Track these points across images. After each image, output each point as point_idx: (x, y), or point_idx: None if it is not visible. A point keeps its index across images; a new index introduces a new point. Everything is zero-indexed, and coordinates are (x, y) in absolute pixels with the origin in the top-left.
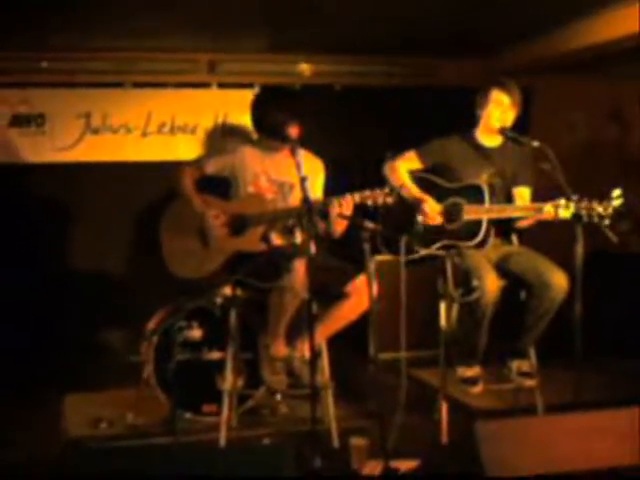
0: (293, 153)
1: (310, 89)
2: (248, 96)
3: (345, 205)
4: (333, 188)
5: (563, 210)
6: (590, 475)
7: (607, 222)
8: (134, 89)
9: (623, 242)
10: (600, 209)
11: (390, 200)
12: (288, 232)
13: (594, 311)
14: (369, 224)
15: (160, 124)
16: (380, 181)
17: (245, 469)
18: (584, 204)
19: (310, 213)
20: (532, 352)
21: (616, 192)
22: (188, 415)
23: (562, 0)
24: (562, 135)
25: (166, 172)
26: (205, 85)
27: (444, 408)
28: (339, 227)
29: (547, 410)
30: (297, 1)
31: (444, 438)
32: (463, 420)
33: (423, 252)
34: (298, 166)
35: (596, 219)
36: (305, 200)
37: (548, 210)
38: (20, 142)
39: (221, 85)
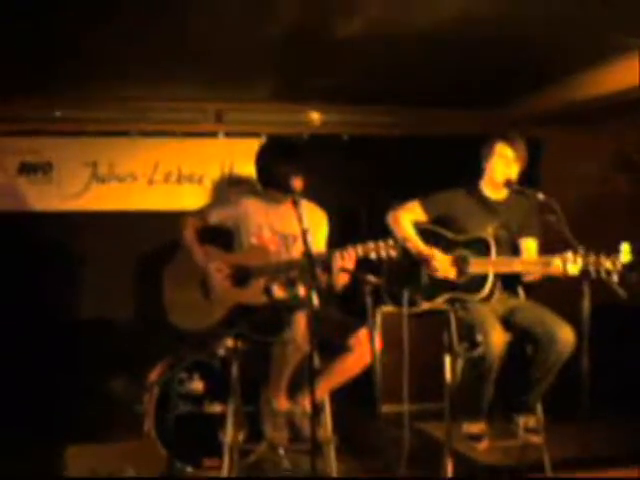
0: (295, 205)
1: (317, 139)
2: (254, 146)
3: (347, 258)
4: (338, 239)
5: (571, 265)
6: None
7: (615, 278)
8: (141, 138)
9: (632, 295)
10: (608, 264)
11: (394, 253)
12: (290, 285)
13: (602, 366)
14: (371, 278)
15: (167, 173)
16: (386, 231)
17: None
18: (592, 259)
19: (312, 266)
20: (539, 407)
21: (625, 246)
22: (189, 469)
23: (569, 52)
24: (571, 187)
25: (172, 221)
26: (212, 134)
27: (449, 464)
28: (341, 280)
29: (554, 467)
30: (305, 52)
31: None
32: (468, 476)
33: (426, 306)
34: (300, 218)
35: (604, 275)
36: (307, 253)
37: (556, 264)
38: (27, 190)
39: (228, 134)
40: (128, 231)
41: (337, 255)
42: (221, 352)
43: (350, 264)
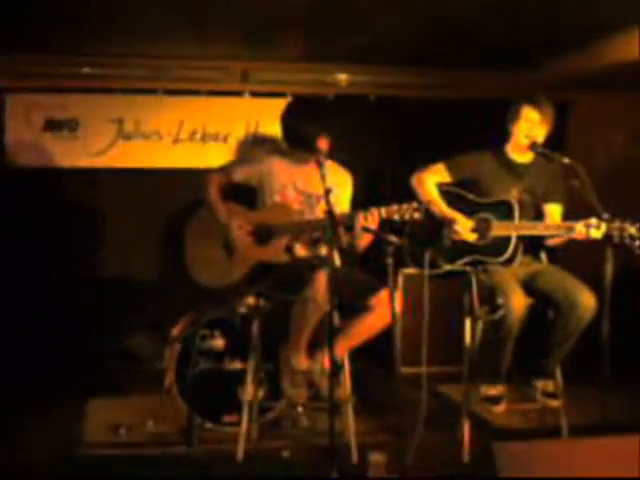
0: (319, 165)
1: (344, 99)
2: (280, 105)
3: (370, 219)
4: (362, 200)
5: (594, 230)
6: None
7: (639, 243)
8: (166, 96)
9: None
10: (632, 230)
11: (417, 215)
12: (313, 244)
13: (622, 331)
14: (394, 238)
15: (192, 132)
16: (411, 194)
17: None
18: (616, 224)
19: (334, 225)
20: (558, 372)
21: None
22: (209, 425)
23: (599, 14)
24: (598, 152)
25: (197, 179)
26: (237, 93)
27: (466, 426)
28: (364, 241)
29: (572, 431)
30: (332, 11)
31: (465, 457)
32: (485, 439)
33: (448, 267)
34: (323, 178)
35: (628, 240)
36: (329, 212)
37: (579, 229)
38: (53, 146)
39: (254, 94)
40: (153, 188)
41: (360, 216)
42: (242, 310)
43: (373, 225)
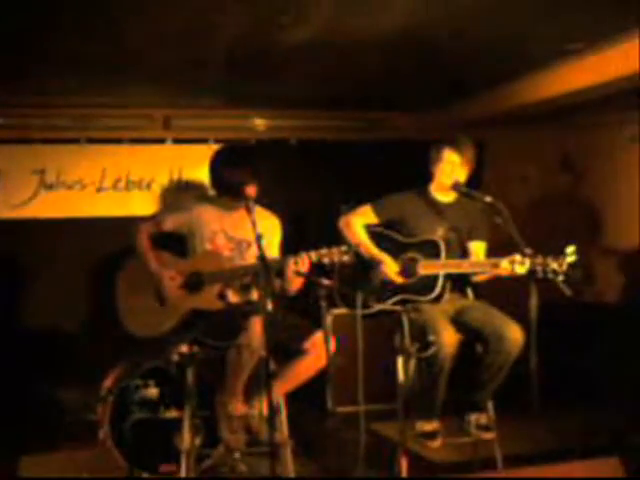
0: (248, 211)
1: (267, 144)
2: (203, 151)
3: (301, 263)
4: (290, 244)
5: (519, 266)
6: None
7: (561, 278)
8: (89, 145)
9: (577, 292)
10: (555, 265)
11: (346, 258)
12: (245, 290)
13: (550, 362)
14: (325, 281)
15: (115, 179)
16: (337, 236)
17: None
18: (539, 260)
19: (266, 271)
20: (490, 405)
21: (570, 248)
22: (145, 475)
23: (513, 55)
24: (515, 187)
25: (121, 227)
26: (160, 141)
27: (404, 462)
28: (295, 285)
29: (506, 462)
30: (252, 58)
31: None
32: (423, 474)
33: (379, 307)
34: (254, 224)
35: (551, 275)
36: (261, 258)
37: (504, 266)
38: None
39: (176, 140)
40: (78, 238)
41: (291, 260)
42: (176, 358)
43: (304, 269)
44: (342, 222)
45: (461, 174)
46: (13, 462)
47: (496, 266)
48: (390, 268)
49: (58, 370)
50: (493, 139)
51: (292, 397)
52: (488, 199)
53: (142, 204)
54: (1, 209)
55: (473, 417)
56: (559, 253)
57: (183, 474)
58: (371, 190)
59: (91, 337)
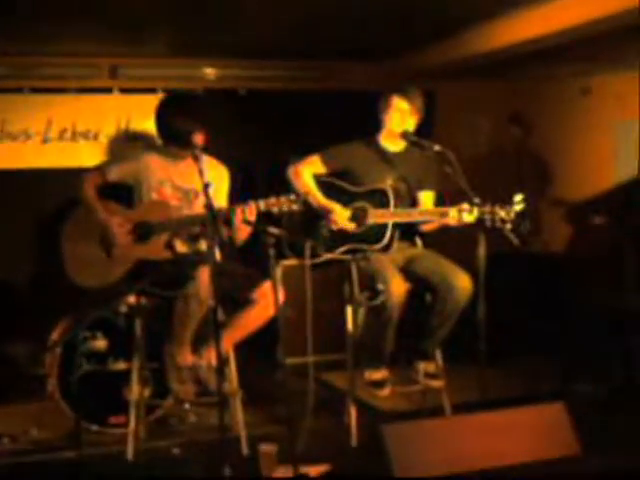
0: (196, 160)
1: (215, 93)
2: (151, 101)
3: (249, 212)
4: (238, 194)
5: (467, 214)
6: (498, 473)
7: (509, 226)
8: (33, 94)
9: (524, 242)
10: (503, 213)
11: (295, 207)
12: (193, 239)
13: (497, 311)
14: (273, 230)
15: (61, 130)
16: (286, 185)
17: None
18: (487, 209)
19: (214, 220)
20: (438, 354)
21: (518, 197)
22: (95, 427)
23: (464, 4)
24: (464, 138)
25: (68, 179)
26: (107, 90)
27: (353, 411)
28: (243, 234)
29: (454, 410)
30: (200, 5)
31: (353, 441)
32: (372, 423)
33: (328, 256)
34: (201, 173)
35: (499, 223)
36: (208, 207)
37: (453, 215)
38: None
39: (123, 90)
40: (24, 190)
41: (238, 209)
42: (124, 309)
43: (252, 218)
44: (291, 171)
45: (410, 123)
46: None
47: (444, 215)
48: (341, 215)
49: (6, 324)
50: (443, 90)
51: (242, 348)
52: (437, 148)
53: (89, 155)
54: None
55: (421, 365)
56: (506, 203)
57: (133, 425)
58: (321, 140)
59: (38, 290)
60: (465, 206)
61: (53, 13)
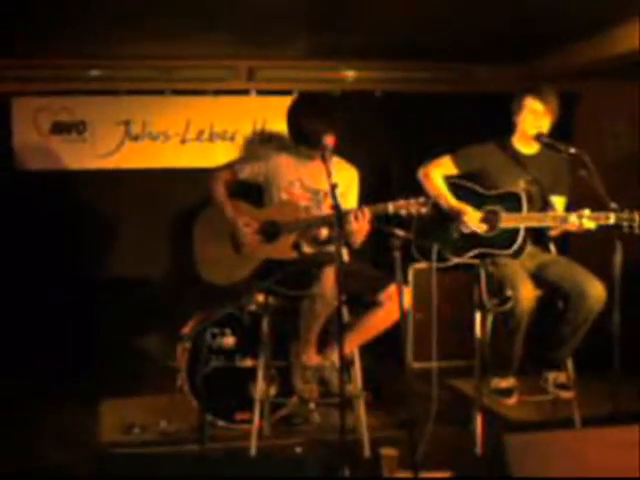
0: (324, 161)
1: (350, 95)
2: (287, 103)
3: (361, 217)
4: (370, 196)
5: (587, 221)
6: None
7: None
8: (173, 96)
9: None
10: None
11: (424, 210)
12: (320, 241)
13: (633, 322)
14: (400, 232)
15: (199, 131)
16: (418, 189)
17: (274, 478)
18: (625, 215)
19: (339, 220)
20: (569, 363)
21: None
22: (221, 423)
23: (605, 4)
24: (606, 142)
25: (204, 179)
26: (244, 92)
27: (479, 419)
28: (359, 236)
29: (584, 423)
30: (338, 6)
31: (478, 450)
32: (498, 432)
33: (456, 260)
34: (329, 174)
35: (637, 230)
36: (335, 207)
37: (572, 220)
38: (61, 149)
39: (260, 92)
40: (161, 189)
41: (350, 214)
42: (251, 307)
43: (364, 222)
44: (421, 173)
45: (544, 124)
46: (93, 406)
47: (565, 220)
48: (473, 217)
49: (141, 318)
50: (585, 92)
51: (369, 351)
52: (573, 150)
53: (226, 155)
54: (87, 159)
55: (552, 375)
56: None
57: (257, 423)
58: (453, 143)
59: (173, 286)
60: (586, 212)
61: (194, 16)
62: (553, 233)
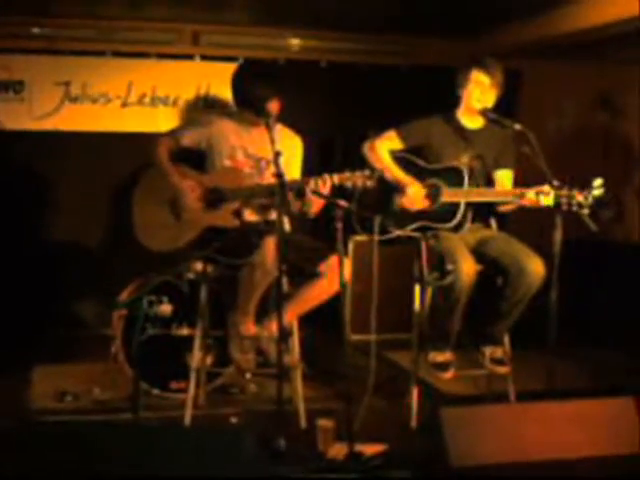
0: (268, 128)
1: (295, 64)
2: (231, 69)
3: (321, 185)
4: (312, 167)
5: (545, 197)
6: (558, 465)
7: (586, 211)
8: (115, 58)
9: (605, 230)
10: (580, 198)
11: (370, 183)
12: (262, 209)
13: (571, 299)
14: (343, 203)
15: (141, 95)
16: (361, 160)
17: (207, 448)
18: (564, 192)
19: (283, 190)
20: (506, 339)
21: (597, 181)
22: (156, 391)
23: None
24: (549, 120)
25: (145, 143)
26: (188, 57)
27: (414, 392)
28: (315, 207)
29: (519, 398)
30: None
31: (413, 422)
32: (433, 405)
33: (397, 233)
34: (272, 141)
35: (575, 208)
36: (278, 175)
37: (530, 196)
38: None
39: (204, 57)
40: (101, 152)
41: (311, 182)
42: (190, 275)
43: (324, 191)
44: (366, 147)
45: (489, 98)
46: (25, 372)
47: (522, 196)
48: (417, 191)
49: (77, 284)
50: (530, 70)
51: (307, 322)
52: (517, 126)
53: (167, 121)
54: (24, 120)
55: (488, 350)
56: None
57: (192, 392)
58: (400, 116)
59: (110, 252)
60: (545, 188)
61: None
62: (504, 208)
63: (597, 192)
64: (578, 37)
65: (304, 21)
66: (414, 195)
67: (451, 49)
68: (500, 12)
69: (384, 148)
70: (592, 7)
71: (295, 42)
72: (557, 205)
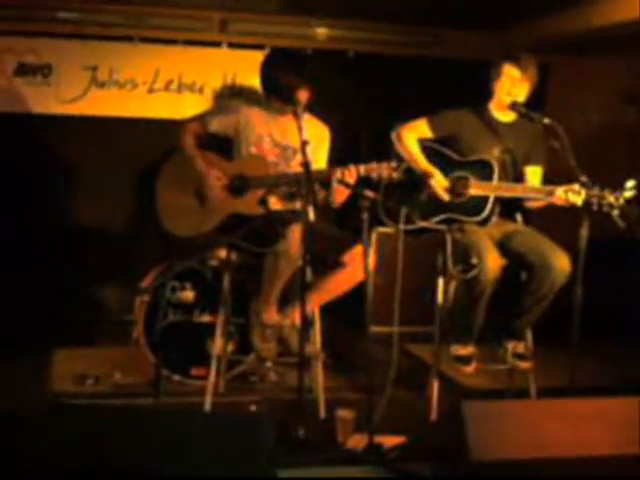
0: (296, 116)
1: (323, 54)
2: (258, 57)
3: (348, 175)
4: (338, 157)
5: (575, 195)
6: (578, 462)
7: (617, 212)
8: (142, 44)
9: (632, 230)
10: (611, 198)
11: (395, 175)
12: (288, 198)
13: (596, 297)
14: (369, 193)
15: (167, 81)
16: (389, 152)
17: (225, 435)
18: (595, 192)
19: (309, 178)
20: (529, 334)
21: (630, 183)
22: (176, 377)
23: None
24: (575, 115)
25: (171, 130)
26: (215, 44)
27: (435, 385)
28: (340, 196)
29: (540, 394)
30: None
31: (433, 415)
32: (454, 398)
33: (423, 224)
34: (300, 130)
35: (606, 208)
36: (304, 164)
37: (559, 194)
38: (24, 92)
39: (231, 45)
40: (126, 138)
41: (337, 172)
42: (213, 262)
43: (350, 181)
44: (395, 135)
45: (521, 92)
46: (46, 355)
47: (551, 194)
48: (439, 183)
49: (100, 269)
50: (557, 65)
51: (330, 312)
52: (547, 121)
53: (193, 107)
54: (51, 104)
55: (510, 345)
56: (617, 187)
57: (213, 379)
58: (427, 108)
59: (133, 237)
60: (575, 187)
61: None
62: (533, 204)
63: (629, 194)
64: (608, 32)
65: (331, 10)
66: (436, 186)
67: (480, 42)
68: (531, 5)
69: (412, 137)
70: (623, 1)
71: (322, 31)
72: (587, 204)
